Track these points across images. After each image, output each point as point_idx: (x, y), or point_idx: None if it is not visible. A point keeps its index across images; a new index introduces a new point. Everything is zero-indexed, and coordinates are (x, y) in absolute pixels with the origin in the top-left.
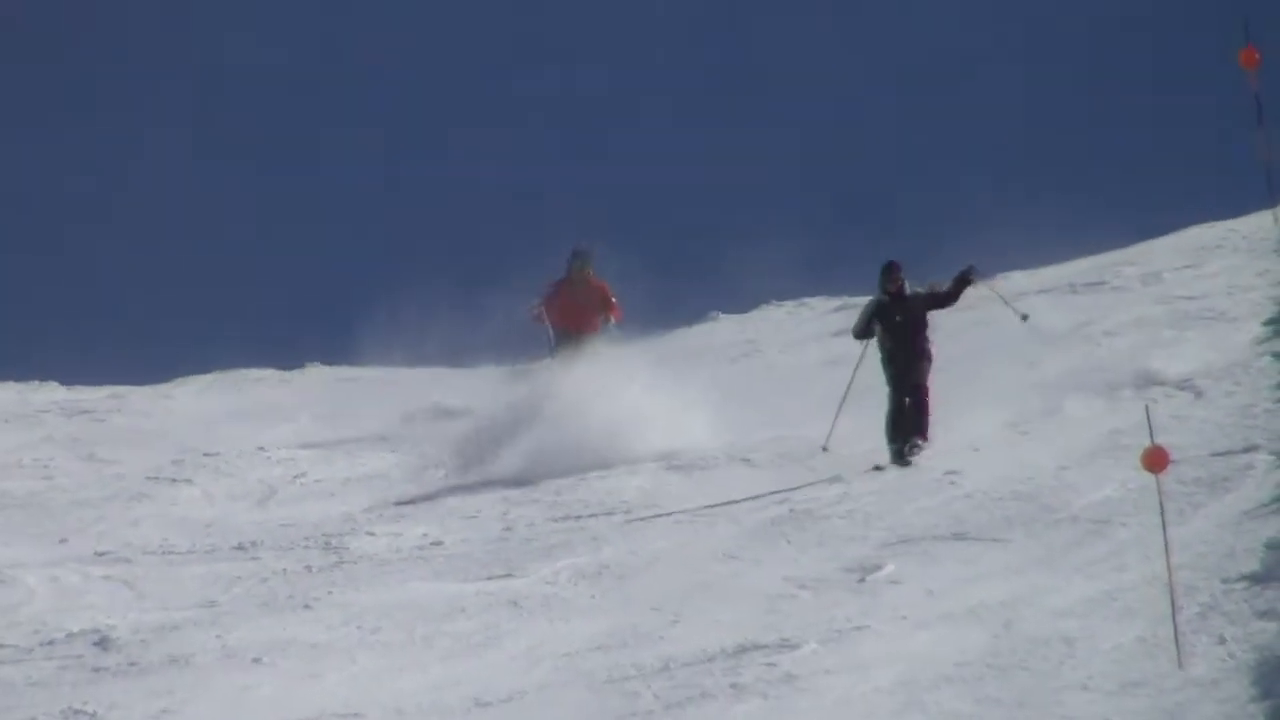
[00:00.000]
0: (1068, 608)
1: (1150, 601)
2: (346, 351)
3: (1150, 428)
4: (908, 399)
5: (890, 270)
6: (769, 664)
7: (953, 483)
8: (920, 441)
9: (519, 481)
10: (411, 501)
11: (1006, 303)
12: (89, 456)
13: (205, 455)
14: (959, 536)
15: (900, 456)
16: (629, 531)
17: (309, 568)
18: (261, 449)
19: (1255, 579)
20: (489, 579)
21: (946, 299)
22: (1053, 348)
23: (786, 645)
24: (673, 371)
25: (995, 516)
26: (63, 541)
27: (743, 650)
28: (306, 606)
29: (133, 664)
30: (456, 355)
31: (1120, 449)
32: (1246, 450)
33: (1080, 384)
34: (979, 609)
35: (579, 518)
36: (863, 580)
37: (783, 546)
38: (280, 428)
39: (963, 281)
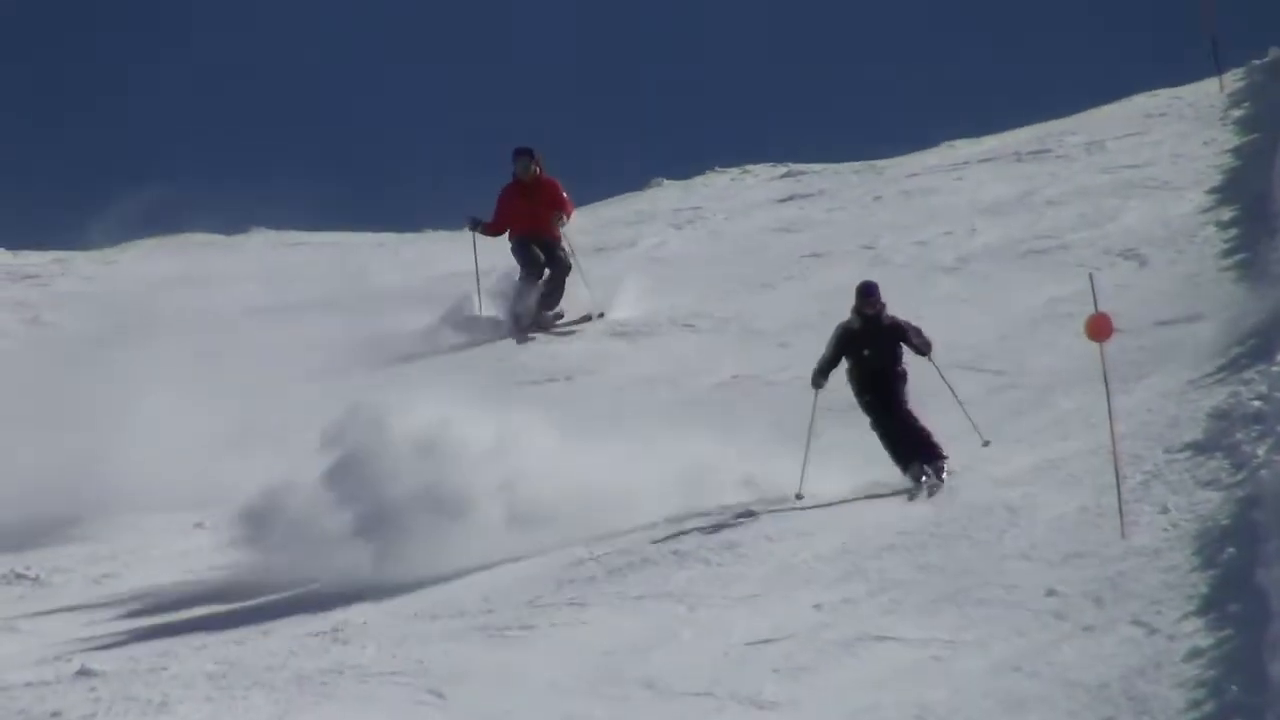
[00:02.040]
0: (1010, 476)
1: (1093, 470)
2: (292, 216)
3: (1094, 296)
4: (897, 424)
5: (868, 292)
6: (711, 531)
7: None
8: (944, 464)
9: (460, 346)
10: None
11: (968, 418)
12: (33, 320)
13: (148, 319)
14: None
15: (922, 477)
16: (572, 395)
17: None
18: (204, 313)
19: (1198, 448)
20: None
21: (918, 347)
22: (996, 216)
23: (728, 512)
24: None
25: (938, 385)
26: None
27: (683, 517)
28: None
29: (75, 525)
30: (407, 220)
31: (1063, 317)
32: (1190, 319)
33: (1023, 252)
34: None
35: (520, 383)
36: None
37: (725, 413)
38: (223, 292)
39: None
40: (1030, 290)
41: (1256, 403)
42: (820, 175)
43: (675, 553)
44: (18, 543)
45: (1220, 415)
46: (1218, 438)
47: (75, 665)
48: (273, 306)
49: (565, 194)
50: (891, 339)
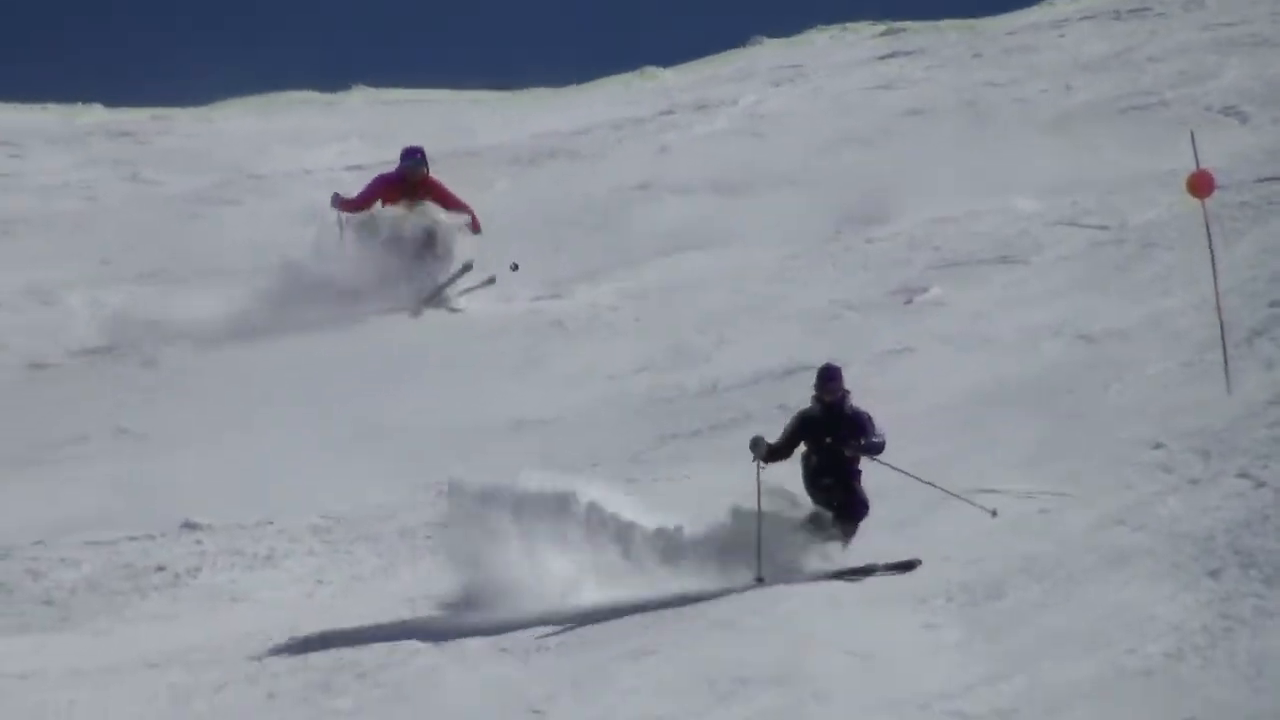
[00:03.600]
0: (1114, 331)
1: (1197, 326)
2: (394, 73)
3: (1195, 153)
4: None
5: (830, 377)
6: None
7: (1001, 208)
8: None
9: (565, 202)
10: None
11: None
12: (133, 178)
13: (251, 177)
14: (1005, 260)
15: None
16: (673, 254)
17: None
18: (307, 171)
19: None
20: (534, 299)
21: (869, 446)
22: (1096, 73)
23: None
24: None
25: (1041, 240)
26: (105, 263)
27: (789, 372)
28: (347, 330)
29: (179, 381)
30: (507, 78)
31: (1164, 174)
32: None
33: (1123, 109)
34: (1024, 332)
35: (623, 242)
36: (909, 302)
37: (828, 269)
38: (326, 150)
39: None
40: (1131, 147)
41: None
42: (920, 33)
43: (780, 407)
44: (124, 398)
45: None
46: None
47: (180, 519)
48: (372, 165)
49: (459, 198)
50: (851, 430)
